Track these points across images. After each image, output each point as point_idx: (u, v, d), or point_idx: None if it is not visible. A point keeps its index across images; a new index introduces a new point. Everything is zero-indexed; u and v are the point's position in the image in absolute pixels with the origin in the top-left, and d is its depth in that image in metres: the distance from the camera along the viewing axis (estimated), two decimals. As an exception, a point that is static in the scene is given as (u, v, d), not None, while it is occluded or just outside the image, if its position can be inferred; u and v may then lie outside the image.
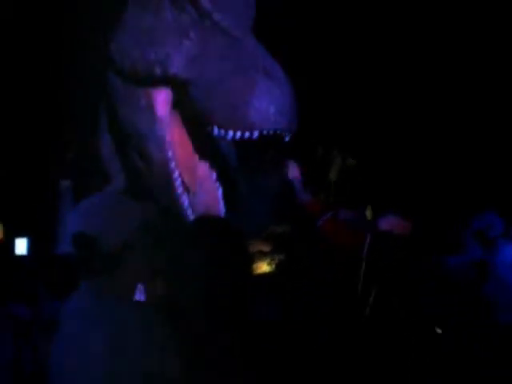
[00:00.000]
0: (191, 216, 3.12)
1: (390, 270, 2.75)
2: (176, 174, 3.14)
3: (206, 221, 2.00)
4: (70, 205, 3.92)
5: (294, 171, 3.92)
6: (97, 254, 1.54)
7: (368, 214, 4.17)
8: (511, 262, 4.10)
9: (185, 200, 3.14)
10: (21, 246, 3.49)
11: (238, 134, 2.79)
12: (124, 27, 3.18)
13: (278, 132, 2.80)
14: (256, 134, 2.76)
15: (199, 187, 3.32)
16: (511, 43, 4.92)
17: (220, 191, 3.34)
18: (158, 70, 3.00)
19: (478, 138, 5.05)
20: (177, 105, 3.24)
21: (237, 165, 3.94)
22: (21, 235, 3.53)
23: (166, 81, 3.06)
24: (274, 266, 4.11)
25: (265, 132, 2.76)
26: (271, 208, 4.35)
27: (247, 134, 2.77)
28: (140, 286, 2.46)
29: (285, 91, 2.77)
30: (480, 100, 5.04)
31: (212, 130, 2.88)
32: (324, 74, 4.60)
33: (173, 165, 3.14)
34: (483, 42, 4.99)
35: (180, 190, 3.15)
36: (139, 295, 2.41)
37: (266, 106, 2.71)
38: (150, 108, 3.16)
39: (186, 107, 3.18)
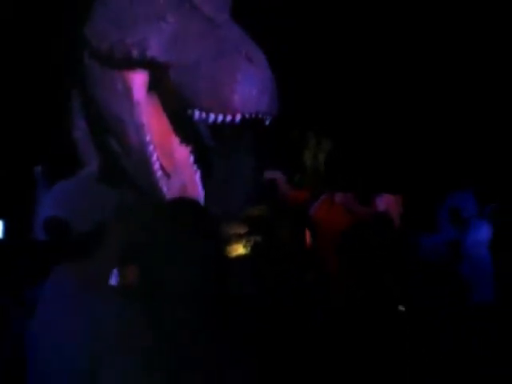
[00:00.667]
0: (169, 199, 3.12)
1: (386, 249, 2.78)
2: (154, 157, 3.12)
3: (180, 204, 1.99)
4: (44, 190, 3.88)
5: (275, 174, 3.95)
6: (70, 239, 1.52)
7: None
8: (484, 242, 4.20)
9: (164, 184, 3.13)
10: None
11: (220, 117, 2.77)
12: (101, 10, 3.14)
13: (260, 116, 2.81)
14: (238, 117, 2.75)
15: (177, 171, 3.31)
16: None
17: (198, 174, 3.33)
18: (135, 53, 2.97)
19: (459, 116, 5.13)
20: (154, 88, 3.22)
21: (212, 147, 3.93)
22: None
23: (143, 64, 3.03)
24: (249, 248, 4.13)
25: (247, 116, 2.76)
26: (247, 190, 4.36)
27: (229, 118, 2.76)
28: (115, 271, 2.45)
29: (266, 75, 2.77)
30: (458, 81, 5.12)
31: (193, 113, 2.86)
32: (300, 57, 4.62)
33: (151, 148, 3.12)
34: (465, 32, 5.07)
35: (158, 173, 3.13)
36: (114, 280, 2.39)
37: (249, 89, 2.71)
38: (127, 92, 3.12)
39: (165, 90, 3.16)
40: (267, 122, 2.88)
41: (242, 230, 4.22)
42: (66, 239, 1.53)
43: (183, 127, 3.35)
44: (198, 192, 3.28)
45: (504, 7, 4.87)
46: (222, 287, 1.84)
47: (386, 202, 3.50)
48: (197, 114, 2.84)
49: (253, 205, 4.52)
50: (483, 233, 4.22)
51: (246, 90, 2.71)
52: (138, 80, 3.12)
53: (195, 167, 3.34)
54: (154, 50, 2.94)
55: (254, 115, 2.78)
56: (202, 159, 3.45)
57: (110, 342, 1.44)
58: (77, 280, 1.54)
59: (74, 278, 1.55)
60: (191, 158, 3.36)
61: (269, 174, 3.91)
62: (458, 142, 5.12)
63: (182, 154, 3.36)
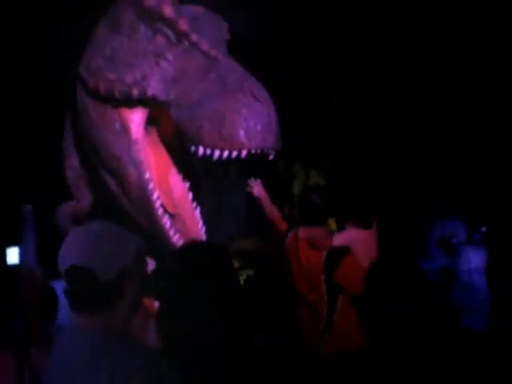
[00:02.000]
0: (174, 237, 3.08)
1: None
2: (155, 195, 3.09)
3: (193, 250, 1.99)
4: (32, 229, 3.82)
5: (258, 189, 3.95)
6: (92, 287, 1.50)
7: (332, 226, 4.24)
8: (476, 268, 4.26)
9: (166, 221, 3.10)
10: (13, 255, 3.39)
11: (226, 153, 2.75)
12: (98, 50, 3.12)
13: (265, 151, 2.81)
14: (244, 152, 2.74)
15: (177, 208, 3.29)
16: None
17: (198, 211, 3.31)
18: (135, 92, 2.95)
19: (444, 143, 5.20)
20: (153, 125, 3.21)
21: (202, 182, 3.92)
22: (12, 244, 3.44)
23: (144, 102, 3.03)
24: (241, 281, 4.14)
25: (253, 151, 2.76)
26: (236, 224, 4.37)
27: (235, 154, 2.75)
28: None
29: (271, 111, 2.78)
30: (444, 108, 5.21)
31: (197, 149, 2.83)
32: (287, 89, 4.65)
33: (151, 186, 3.09)
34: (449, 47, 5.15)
35: (160, 211, 3.11)
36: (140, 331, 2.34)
37: (254, 125, 2.69)
38: (126, 130, 3.10)
39: (166, 128, 3.16)
40: (271, 157, 2.88)
41: (234, 264, 4.23)
42: (89, 287, 1.51)
43: (181, 164, 3.35)
44: (199, 229, 3.26)
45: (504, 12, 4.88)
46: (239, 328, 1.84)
47: (347, 238, 3.55)
48: (201, 150, 2.80)
49: (242, 237, 4.54)
50: (474, 259, 4.28)
51: (252, 125, 2.70)
52: (137, 118, 3.10)
53: (194, 204, 3.32)
54: (155, 89, 2.93)
55: (259, 150, 2.77)
56: (194, 194, 3.43)
57: None
58: (99, 329, 1.51)
59: (95, 327, 1.51)
60: (190, 195, 3.34)
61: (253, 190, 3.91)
62: (443, 168, 5.21)
63: (181, 190, 3.34)
